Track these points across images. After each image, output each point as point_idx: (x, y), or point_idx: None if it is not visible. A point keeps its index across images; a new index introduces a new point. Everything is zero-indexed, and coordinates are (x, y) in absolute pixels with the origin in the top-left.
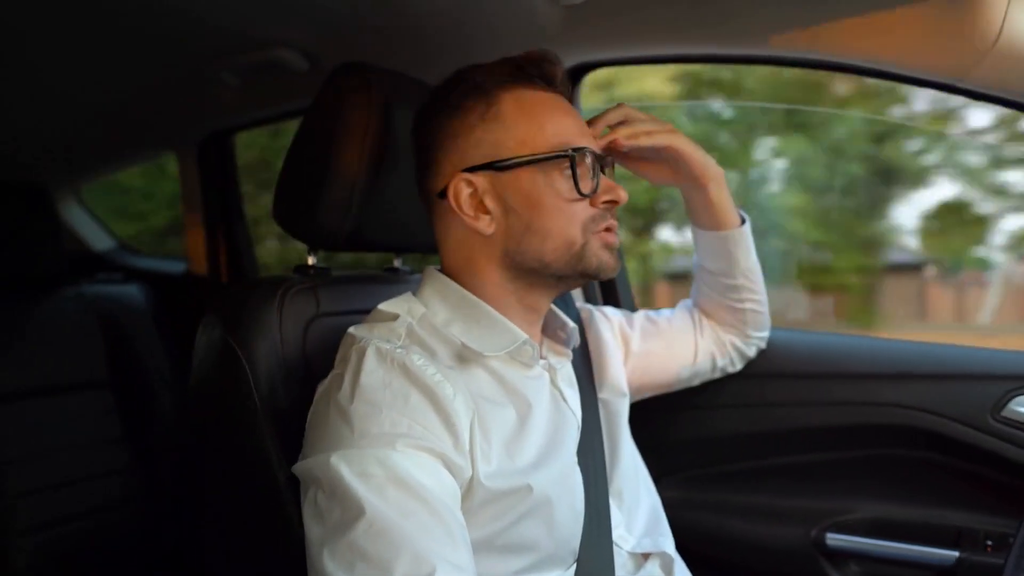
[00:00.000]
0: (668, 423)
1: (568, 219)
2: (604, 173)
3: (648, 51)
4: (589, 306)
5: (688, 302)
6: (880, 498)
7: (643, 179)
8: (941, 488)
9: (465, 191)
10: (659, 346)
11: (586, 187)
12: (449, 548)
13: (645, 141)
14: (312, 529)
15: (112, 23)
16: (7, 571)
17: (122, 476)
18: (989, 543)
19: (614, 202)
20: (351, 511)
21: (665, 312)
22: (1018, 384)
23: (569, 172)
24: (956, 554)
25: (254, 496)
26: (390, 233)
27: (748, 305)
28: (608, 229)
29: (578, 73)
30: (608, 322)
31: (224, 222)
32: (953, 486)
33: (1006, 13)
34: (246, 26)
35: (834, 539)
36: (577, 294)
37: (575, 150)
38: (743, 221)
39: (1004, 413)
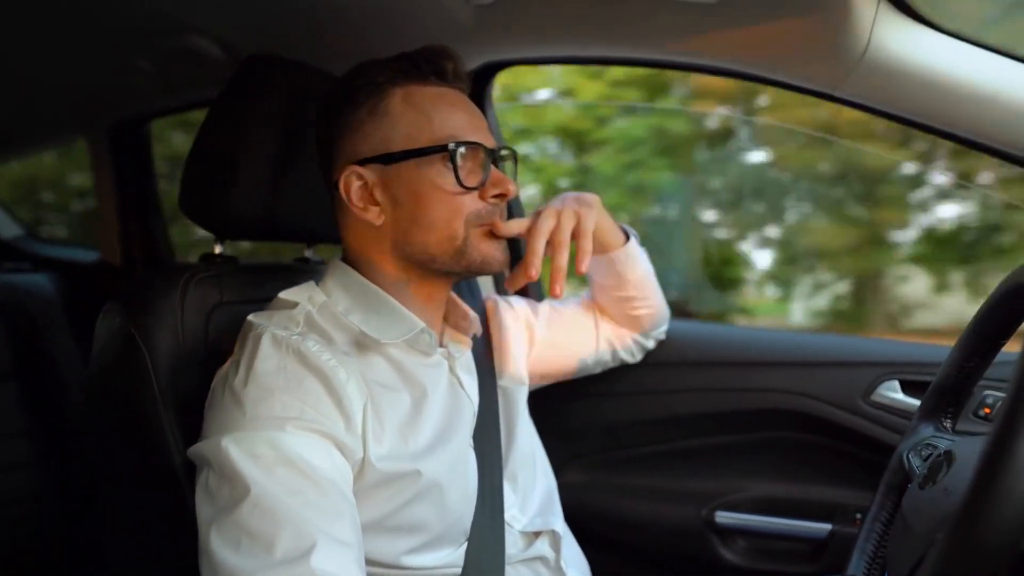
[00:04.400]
0: (572, 410)
1: (452, 212)
2: (498, 167)
3: (554, 52)
4: (496, 296)
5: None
6: (765, 478)
7: None
8: (818, 467)
9: (355, 184)
10: (562, 335)
11: (470, 180)
12: (333, 524)
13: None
14: (202, 510)
15: (19, 2)
16: None
17: (28, 470)
18: (858, 516)
19: (503, 195)
20: (238, 491)
21: (571, 302)
22: (886, 370)
23: (451, 165)
24: (829, 527)
25: (153, 484)
26: (300, 223)
27: (642, 311)
28: (496, 224)
29: (488, 72)
30: (513, 312)
31: (139, 210)
32: (829, 465)
33: (871, 31)
34: (159, 10)
35: (723, 517)
36: (487, 285)
37: (459, 143)
38: (628, 237)
39: (873, 397)
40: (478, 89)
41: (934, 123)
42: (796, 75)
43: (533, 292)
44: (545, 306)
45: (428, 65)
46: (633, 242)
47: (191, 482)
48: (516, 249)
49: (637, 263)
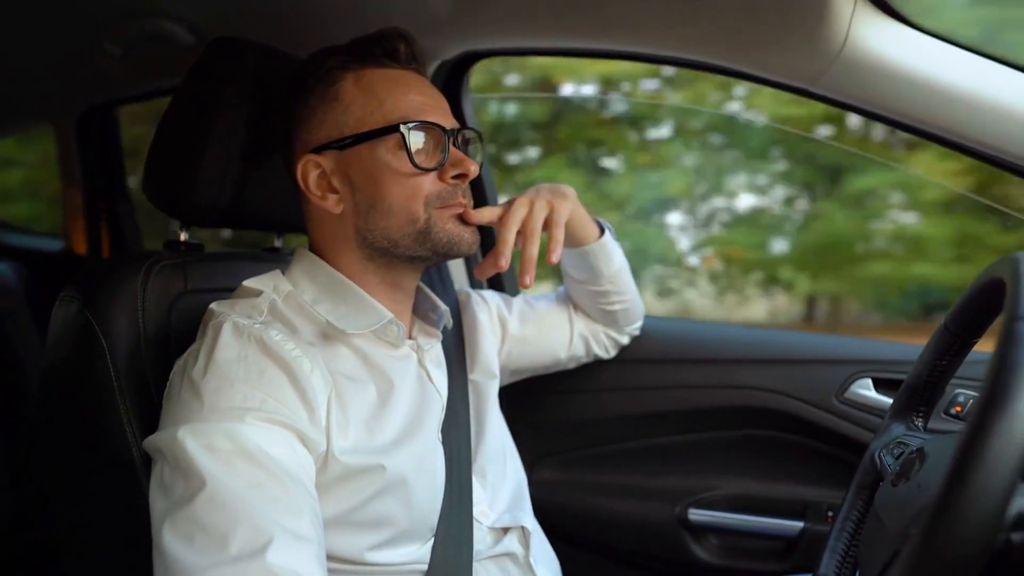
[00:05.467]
0: (546, 406)
1: (410, 194)
2: (457, 146)
3: (531, 43)
4: (468, 289)
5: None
6: (738, 475)
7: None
8: (791, 464)
9: (313, 172)
10: (536, 330)
11: (426, 160)
12: (292, 518)
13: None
14: (156, 504)
15: None
16: None
17: None
18: (830, 513)
19: (463, 176)
20: (193, 484)
21: (544, 297)
22: (860, 368)
23: (404, 146)
24: (801, 524)
25: (110, 478)
26: (268, 210)
27: (617, 307)
28: (458, 204)
29: (467, 61)
30: (485, 305)
31: (105, 199)
32: (801, 462)
33: (849, 26)
34: None
35: (696, 514)
36: (461, 277)
37: (412, 124)
38: (603, 231)
39: (847, 395)
40: (455, 79)
41: (911, 121)
42: (773, 70)
43: (507, 286)
44: (519, 301)
45: (379, 47)
46: (608, 236)
47: (149, 476)
48: (489, 236)
49: (612, 257)
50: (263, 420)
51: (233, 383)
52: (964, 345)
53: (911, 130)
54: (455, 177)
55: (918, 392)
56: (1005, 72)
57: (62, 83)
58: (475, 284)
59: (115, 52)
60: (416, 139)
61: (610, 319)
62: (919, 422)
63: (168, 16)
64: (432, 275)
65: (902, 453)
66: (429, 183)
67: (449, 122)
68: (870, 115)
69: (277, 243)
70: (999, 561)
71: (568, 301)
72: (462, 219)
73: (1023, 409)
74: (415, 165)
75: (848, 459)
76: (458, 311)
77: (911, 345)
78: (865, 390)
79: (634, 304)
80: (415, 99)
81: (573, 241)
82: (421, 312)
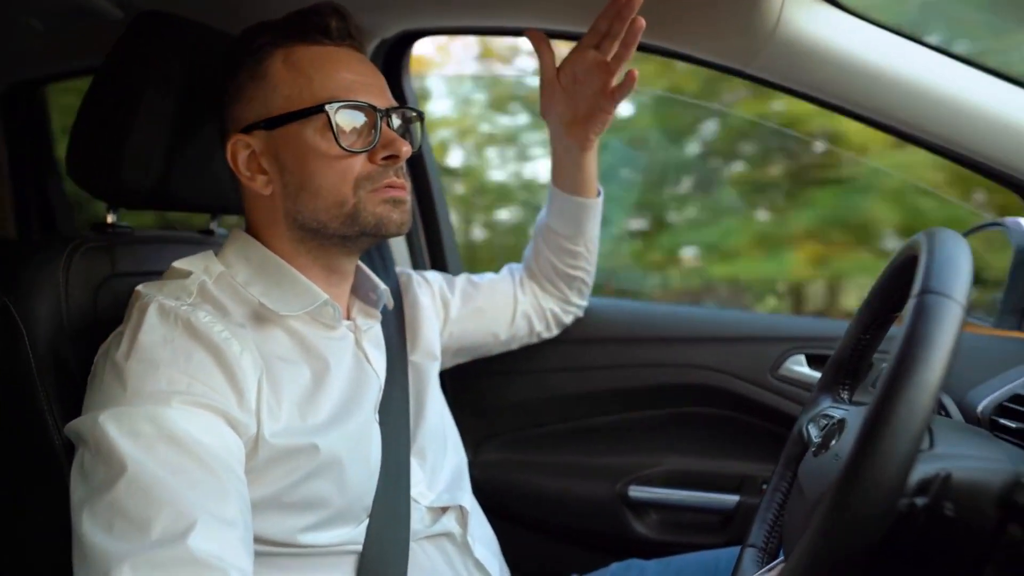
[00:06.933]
0: (489, 388)
1: (339, 176)
2: (391, 127)
3: (470, 21)
4: (409, 271)
5: (514, 266)
6: (678, 451)
7: (542, 105)
8: (728, 440)
9: (243, 152)
10: (478, 308)
11: (355, 142)
12: (217, 503)
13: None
14: (76, 490)
15: None
16: None
17: None
18: (764, 486)
19: (394, 157)
20: (114, 469)
21: (488, 276)
22: (792, 345)
23: (331, 127)
24: (737, 498)
25: (31, 470)
26: (199, 192)
27: (580, 273)
28: (390, 186)
29: (406, 40)
30: (428, 286)
31: (34, 181)
32: (739, 438)
33: (782, 8)
34: None
35: (636, 491)
36: (404, 258)
37: (339, 104)
38: (598, 194)
39: (780, 371)
40: (395, 58)
41: (842, 102)
42: (706, 50)
43: (452, 266)
44: (461, 280)
45: (311, 23)
46: (601, 200)
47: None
48: (426, 214)
49: (598, 221)
50: (189, 404)
51: (158, 366)
52: (885, 320)
53: (843, 111)
54: (386, 158)
55: (844, 366)
56: (932, 56)
57: None
58: (418, 265)
59: (38, 27)
60: (345, 119)
61: (566, 285)
62: (844, 395)
63: None
64: (373, 256)
65: (826, 425)
66: (359, 165)
67: (384, 101)
68: (803, 96)
69: (212, 225)
70: (904, 524)
71: (515, 277)
72: (392, 200)
73: (926, 379)
74: (342, 147)
75: (782, 433)
76: (399, 292)
77: (843, 322)
78: (798, 366)
79: (590, 279)
80: (345, 77)
81: (577, 188)
82: (361, 293)
